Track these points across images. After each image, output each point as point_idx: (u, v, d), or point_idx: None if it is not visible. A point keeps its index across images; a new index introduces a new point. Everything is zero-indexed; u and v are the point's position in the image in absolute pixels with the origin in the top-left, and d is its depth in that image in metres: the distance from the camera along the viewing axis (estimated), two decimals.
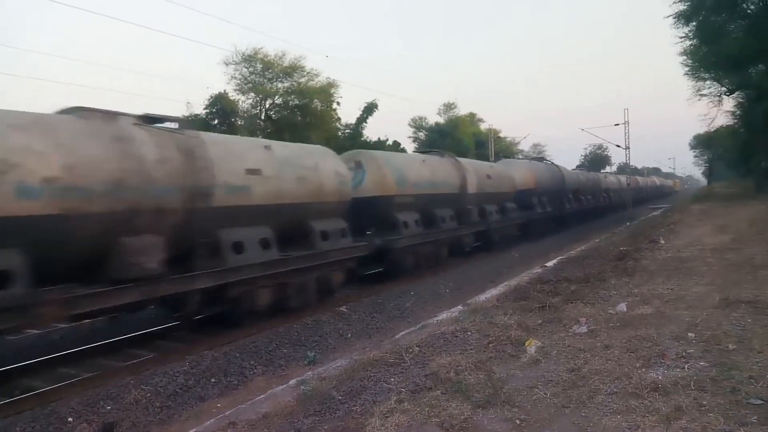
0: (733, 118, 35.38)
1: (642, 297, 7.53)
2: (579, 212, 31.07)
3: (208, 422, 5.36)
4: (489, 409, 4.31)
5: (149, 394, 6.28)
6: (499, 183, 20.42)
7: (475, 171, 18.62)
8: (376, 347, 7.05)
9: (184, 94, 75.83)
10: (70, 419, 5.66)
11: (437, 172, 15.93)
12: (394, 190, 13.65)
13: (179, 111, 35.97)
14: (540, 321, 6.88)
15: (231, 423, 5.03)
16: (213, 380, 6.90)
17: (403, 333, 8.08)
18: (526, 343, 5.88)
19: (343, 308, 10.38)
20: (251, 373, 7.25)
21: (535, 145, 79.92)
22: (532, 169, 25.34)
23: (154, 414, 5.96)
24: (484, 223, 18.64)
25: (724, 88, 31.27)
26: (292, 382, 6.28)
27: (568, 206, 29.12)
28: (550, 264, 13.81)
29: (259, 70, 33.92)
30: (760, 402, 3.84)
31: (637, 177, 57.10)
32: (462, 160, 18.90)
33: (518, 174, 23.31)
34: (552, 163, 30.65)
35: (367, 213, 13.04)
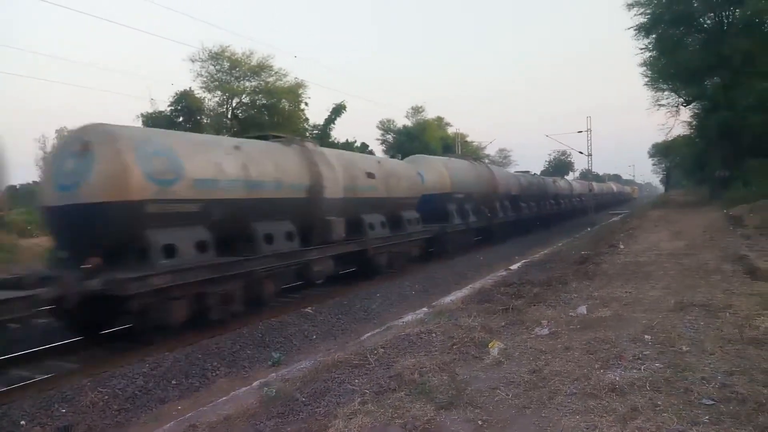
0: (690, 128, 36.77)
1: (601, 300, 7.72)
2: (516, 222, 26.24)
3: (168, 425, 5.26)
4: (452, 410, 4.35)
5: (106, 397, 6.11)
6: (390, 184, 14.91)
7: (343, 167, 12.93)
8: (341, 348, 7.04)
9: (147, 91, 73.99)
10: (22, 422, 5.47)
11: (261, 166, 10.33)
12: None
13: (142, 107, 35.09)
14: (503, 323, 6.98)
15: (191, 426, 4.95)
16: (174, 382, 6.76)
17: (368, 334, 8.09)
18: (490, 345, 5.96)
19: (308, 309, 10.32)
20: (213, 374, 7.14)
21: (501, 150, 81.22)
22: (448, 167, 19.87)
23: (111, 417, 5.80)
24: (361, 242, 13.16)
25: (681, 99, 32.45)
26: (256, 383, 6.21)
27: (502, 215, 24.20)
28: (514, 267, 14.04)
29: (226, 68, 33.44)
30: (712, 402, 3.99)
31: (593, 183, 53.05)
32: (325, 150, 13.32)
33: (428, 174, 18.50)
34: (481, 161, 27.24)
35: None
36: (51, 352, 8.08)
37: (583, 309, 7.20)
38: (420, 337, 6.68)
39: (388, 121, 54.20)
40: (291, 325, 9.35)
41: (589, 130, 44.33)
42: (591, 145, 44.79)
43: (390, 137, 52.89)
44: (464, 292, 10.81)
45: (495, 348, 5.85)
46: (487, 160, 55.79)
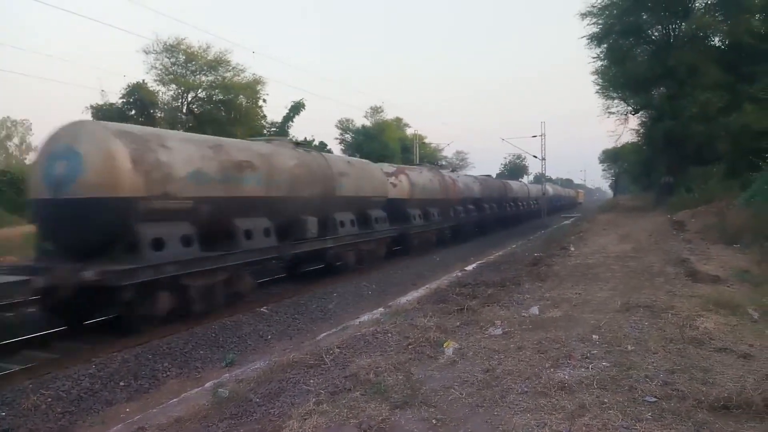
0: (638, 136, 38.26)
1: (553, 301, 7.95)
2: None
3: (115, 428, 5.11)
4: (407, 410, 4.40)
5: (50, 399, 5.87)
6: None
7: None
8: (297, 349, 6.99)
9: (98, 82, 71.32)
10: None
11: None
12: None
13: (92, 99, 33.86)
14: (458, 323, 7.09)
15: (140, 428, 4.82)
16: (122, 384, 6.55)
17: (324, 334, 8.06)
18: (444, 345, 6.04)
19: (263, 309, 10.19)
20: (164, 375, 6.96)
21: (459, 152, 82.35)
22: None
23: (54, 420, 5.57)
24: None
25: (630, 108, 33.75)
26: (208, 384, 6.09)
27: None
28: (469, 268, 14.26)
29: (182, 61, 32.64)
30: (654, 399, 4.17)
31: (527, 185, 47.39)
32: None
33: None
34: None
35: None
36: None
37: (535, 309, 7.39)
38: (376, 337, 6.71)
39: (347, 120, 54.14)
40: (246, 324, 9.21)
41: (543, 135, 45.46)
42: (545, 149, 45.95)
43: (348, 136, 52.82)
44: (420, 292, 10.91)
45: (450, 348, 5.93)
46: (444, 162, 56.48)
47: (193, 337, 8.30)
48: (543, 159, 46.64)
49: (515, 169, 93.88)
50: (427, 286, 11.73)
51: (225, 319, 9.39)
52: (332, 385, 5.11)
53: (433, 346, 6.11)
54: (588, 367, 4.99)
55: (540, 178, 55.68)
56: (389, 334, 6.77)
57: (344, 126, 54.11)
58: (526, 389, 4.58)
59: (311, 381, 5.34)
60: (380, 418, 4.24)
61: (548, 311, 7.29)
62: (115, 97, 30.00)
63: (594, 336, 5.96)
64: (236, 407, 4.84)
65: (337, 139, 53.05)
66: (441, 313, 7.71)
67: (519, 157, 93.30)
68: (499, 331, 6.51)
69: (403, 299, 10.21)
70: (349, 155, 40.52)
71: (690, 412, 3.91)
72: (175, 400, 5.72)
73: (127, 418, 5.41)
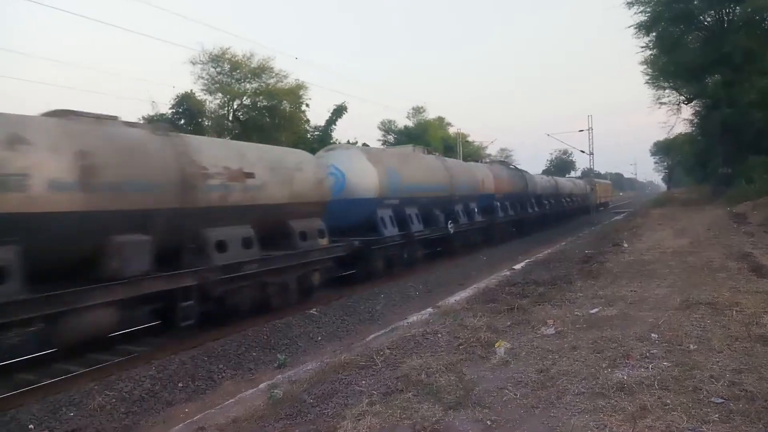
0: (691, 126, 36.75)
1: (607, 299, 7.72)
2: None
3: (176, 427, 5.27)
4: (460, 411, 4.36)
5: (114, 400, 6.12)
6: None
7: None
8: (347, 350, 7.04)
9: (149, 93, 74.01)
10: (31, 426, 5.48)
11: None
12: None
13: (144, 110, 35.14)
14: (509, 323, 6.98)
15: (200, 428, 4.96)
16: (180, 385, 6.77)
17: (373, 335, 8.09)
18: (496, 345, 5.96)
19: (313, 311, 10.32)
20: (220, 377, 7.14)
21: (502, 150, 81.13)
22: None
23: (119, 420, 5.81)
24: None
25: (682, 97, 32.44)
26: (263, 385, 6.21)
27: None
28: (517, 267, 14.03)
29: (227, 70, 33.49)
30: (721, 400, 3.99)
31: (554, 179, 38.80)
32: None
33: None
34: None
35: None
36: (56, 355, 8.08)
37: (588, 308, 7.20)
38: (426, 338, 6.69)
39: (389, 121, 54.29)
40: (296, 326, 9.36)
41: (590, 129, 44.29)
42: (592, 143, 44.74)
43: (391, 138, 52.94)
44: (469, 292, 10.80)
45: (501, 348, 5.85)
46: (488, 160, 55.73)
47: (245, 339, 8.49)
48: (591, 154, 45.45)
49: (562, 164, 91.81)
50: (475, 285, 11.61)
51: (276, 321, 9.56)
52: (384, 386, 5.12)
53: (485, 346, 6.04)
54: (648, 367, 4.82)
55: (588, 173, 54.25)
56: (439, 335, 6.74)
57: (386, 127, 54.30)
58: (582, 390, 4.46)
59: (363, 382, 5.37)
60: (434, 419, 4.22)
61: (603, 310, 7.09)
62: (165, 108, 31.04)
63: (653, 335, 5.75)
64: (291, 408, 4.91)
65: (380, 140, 53.28)
66: (491, 312, 7.62)
67: (565, 152, 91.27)
68: (551, 331, 6.38)
69: (452, 299, 10.13)
70: None
71: (760, 413, 3.72)
72: (231, 400, 5.86)
73: (187, 418, 5.58)
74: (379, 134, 54.31)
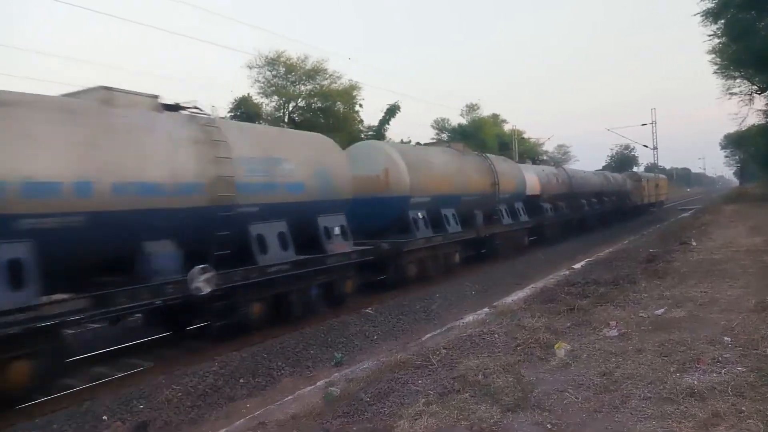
0: (765, 117, 34.51)
1: (674, 300, 7.38)
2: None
3: (238, 422, 5.42)
4: (519, 413, 4.28)
5: (180, 394, 6.38)
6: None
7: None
8: (403, 349, 7.05)
9: (209, 98, 76.71)
10: (104, 417, 5.78)
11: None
12: None
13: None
14: (569, 324, 6.80)
15: (260, 423, 5.08)
16: (242, 381, 6.97)
17: (429, 335, 8.07)
18: (555, 346, 5.82)
19: (368, 310, 10.40)
20: (279, 374, 7.30)
21: (560, 146, 78.94)
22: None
23: (185, 413, 6.04)
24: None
25: (755, 87, 30.53)
26: (320, 383, 6.31)
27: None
28: (577, 266, 13.63)
29: (282, 73, 34.21)
30: None
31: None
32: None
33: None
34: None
35: None
36: (126, 350, 8.52)
37: (655, 309, 6.90)
38: (482, 338, 6.60)
39: (443, 120, 53.95)
40: (352, 325, 9.45)
41: (654, 123, 42.45)
42: (656, 137, 42.85)
43: (445, 136, 52.61)
44: (526, 291, 10.59)
45: (561, 349, 5.70)
46: (545, 157, 54.49)
47: (303, 338, 8.66)
48: (654, 148, 43.57)
49: (623, 160, 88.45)
50: (532, 285, 11.36)
51: (332, 320, 9.70)
52: (440, 386, 5.10)
53: (543, 347, 5.90)
54: (720, 372, 4.58)
55: (652, 169, 52.03)
56: (496, 335, 6.64)
57: (440, 125, 53.99)
58: (649, 395, 4.28)
59: (419, 381, 5.36)
60: (492, 420, 4.16)
61: (670, 311, 6.78)
62: (223, 112, 32.08)
63: (725, 338, 5.45)
64: (348, 406, 4.96)
65: (433, 138, 53.03)
66: (549, 313, 7.44)
67: (627, 147, 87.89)
68: (614, 333, 6.15)
69: (508, 299, 9.96)
70: None
71: None
72: (290, 397, 5.99)
73: (248, 414, 5.73)
74: (432, 132, 54.10)
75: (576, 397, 4.44)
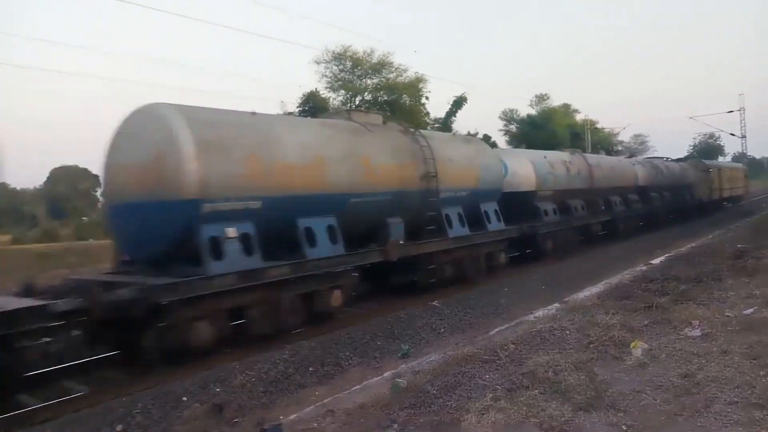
0: None
1: (765, 299, 6.87)
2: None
3: (308, 409, 5.57)
4: (591, 413, 4.14)
5: (253, 379, 6.63)
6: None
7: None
8: (470, 343, 6.99)
9: (277, 94, 78.89)
10: (184, 398, 6.10)
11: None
12: None
13: (273, 110, 37.45)
14: (646, 322, 6.49)
15: (329, 411, 5.20)
16: (311, 369, 7.14)
17: (497, 329, 7.95)
18: (632, 345, 5.58)
19: (435, 303, 10.37)
20: (347, 363, 7.43)
21: (636, 136, 75.19)
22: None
23: (257, 398, 6.27)
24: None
25: None
26: (387, 374, 6.37)
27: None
28: (655, 261, 12.97)
29: (349, 67, 34.57)
30: None
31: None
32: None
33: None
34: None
35: None
36: None
37: (742, 308, 6.46)
38: (553, 334, 6.43)
39: (511, 111, 52.67)
40: (419, 318, 9.46)
41: (741, 110, 39.56)
42: (744, 125, 39.92)
43: (513, 127, 51.40)
44: (600, 287, 10.20)
45: (638, 348, 5.46)
46: (620, 147, 52.13)
47: (370, 329, 8.76)
48: (742, 137, 40.63)
49: (707, 149, 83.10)
50: (606, 280, 10.92)
51: (399, 312, 9.75)
52: (509, 381, 5.02)
53: (618, 345, 5.67)
54: None
55: (740, 158, 48.57)
56: (567, 331, 6.45)
57: (508, 117, 52.76)
58: (735, 399, 4.02)
59: (487, 376, 5.30)
60: (562, 419, 4.05)
61: (760, 311, 6.32)
62: (292, 107, 32.84)
63: None
64: (414, 398, 4.99)
65: (500, 130, 51.98)
66: (625, 310, 7.13)
67: (711, 136, 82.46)
68: (697, 332, 5.82)
69: (581, 294, 9.63)
70: (514, 146, 39.50)
71: None
72: (357, 387, 6.08)
73: (318, 401, 5.87)
74: (500, 124, 52.98)
75: (654, 399, 4.24)
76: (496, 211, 13.54)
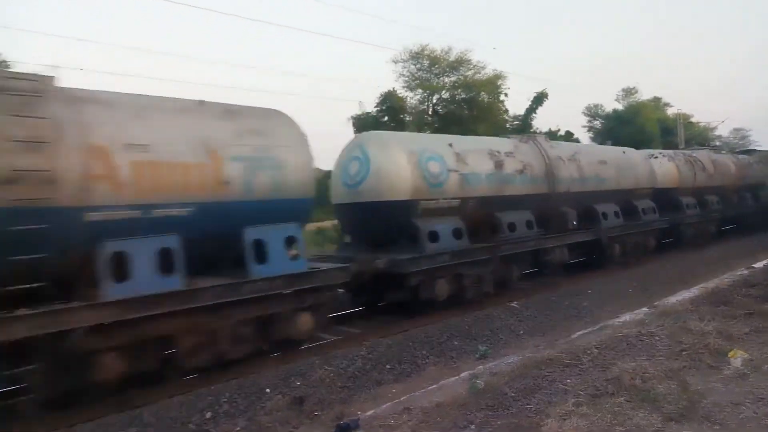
0: None
1: None
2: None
3: (385, 405, 5.63)
4: (683, 424, 3.91)
5: (332, 374, 6.79)
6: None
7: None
8: (550, 346, 6.79)
9: (356, 94, 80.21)
10: (267, 390, 6.36)
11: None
12: None
13: (351, 110, 38.12)
14: (747, 330, 6.03)
15: (406, 408, 5.24)
16: (388, 366, 7.22)
17: (579, 333, 7.66)
18: (730, 354, 5.20)
19: (514, 304, 10.14)
20: (423, 362, 7.44)
21: (736, 130, 69.45)
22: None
23: (336, 393, 6.42)
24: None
25: None
26: (464, 374, 6.32)
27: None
28: (758, 265, 11.98)
29: (426, 66, 34.55)
30: None
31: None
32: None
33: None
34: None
35: None
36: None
37: None
38: (640, 340, 6.12)
39: (595, 106, 50.43)
40: (497, 318, 9.30)
41: None
42: None
43: (598, 123, 49.22)
44: (693, 291, 9.56)
45: (737, 358, 5.08)
46: (717, 143, 48.52)
47: (447, 328, 8.71)
48: None
49: None
50: (701, 285, 10.22)
51: (477, 312, 9.63)
52: (592, 387, 4.83)
53: (714, 354, 5.31)
54: None
55: None
56: (656, 337, 6.11)
57: (592, 112, 50.60)
58: None
59: (568, 380, 5.14)
60: (651, 429, 3.86)
61: None
62: (370, 107, 33.26)
63: None
64: (492, 399, 4.91)
65: (585, 126, 49.92)
66: (722, 316, 6.65)
67: None
68: None
69: (672, 299, 9.07)
70: (599, 143, 37.85)
71: None
72: (434, 386, 6.08)
73: (394, 398, 5.93)
74: (583, 120, 50.89)
75: (755, 412, 3.93)
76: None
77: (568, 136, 37.14)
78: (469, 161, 10.80)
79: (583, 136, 44.60)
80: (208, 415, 5.77)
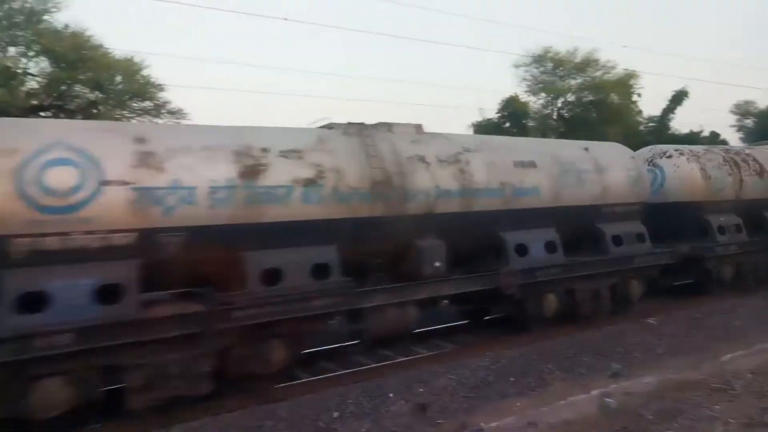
0: None
1: None
2: None
3: (509, 419, 5.51)
4: None
5: (454, 383, 6.78)
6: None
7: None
8: (694, 368, 6.23)
9: (477, 101, 79.59)
10: (391, 395, 6.51)
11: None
12: None
13: (472, 118, 37.85)
14: None
15: (531, 423, 5.09)
16: (512, 379, 7.04)
17: (730, 355, 6.92)
18: None
19: (651, 320, 9.41)
20: (550, 377, 7.15)
21: None
22: None
23: (459, 402, 6.39)
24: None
25: None
26: (594, 392, 5.99)
27: None
28: None
29: (550, 68, 33.34)
30: None
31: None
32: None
33: None
34: None
35: None
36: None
37: None
38: None
39: (746, 102, 45.21)
40: (631, 334, 8.69)
41: None
42: None
43: (749, 122, 44.07)
44: None
45: None
46: None
47: (576, 343, 8.31)
48: None
49: None
50: None
51: (608, 327, 9.08)
52: (745, 416, 4.38)
53: None
54: None
55: None
56: None
57: (742, 110, 45.42)
58: None
59: (716, 407, 4.69)
60: None
61: None
62: (491, 113, 32.76)
63: None
64: (626, 420, 4.63)
65: (733, 126, 44.95)
66: None
67: None
68: None
69: None
70: (750, 143, 33.95)
71: None
72: (562, 402, 5.83)
73: (519, 412, 5.77)
74: (732, 119, 45.82)
75: None
76: None
77: (714, 138, 33.75)
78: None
79: (732, 137, 40.22)
80: (336, 414, 6.03)
